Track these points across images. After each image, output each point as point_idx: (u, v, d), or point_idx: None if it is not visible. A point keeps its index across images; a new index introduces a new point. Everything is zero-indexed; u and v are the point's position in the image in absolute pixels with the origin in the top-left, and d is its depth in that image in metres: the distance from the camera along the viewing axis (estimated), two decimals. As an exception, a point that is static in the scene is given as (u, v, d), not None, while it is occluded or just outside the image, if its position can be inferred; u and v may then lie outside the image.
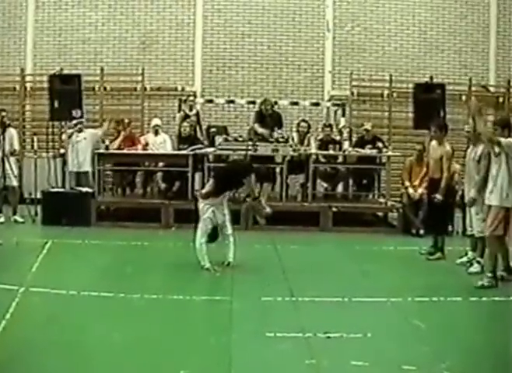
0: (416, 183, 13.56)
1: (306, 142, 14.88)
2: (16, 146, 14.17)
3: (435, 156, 11.18)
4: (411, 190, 13.47)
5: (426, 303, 8.28)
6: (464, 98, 17.54)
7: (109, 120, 15.38)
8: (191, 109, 15.69)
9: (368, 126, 15.23)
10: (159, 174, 15.09)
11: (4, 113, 13.99)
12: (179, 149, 14.59)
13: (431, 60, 18.20)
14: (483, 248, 9.89)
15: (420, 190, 13.24)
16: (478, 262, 9.91)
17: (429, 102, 14.47)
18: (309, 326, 7.01)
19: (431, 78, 16.31)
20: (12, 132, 14.13)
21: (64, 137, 14.78)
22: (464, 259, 10.46)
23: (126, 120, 15.54)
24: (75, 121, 14.51)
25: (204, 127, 15.92)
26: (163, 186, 14.91)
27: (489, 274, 9.06)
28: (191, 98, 16.31)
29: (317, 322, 7.30)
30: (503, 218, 9.01)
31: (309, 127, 15.18)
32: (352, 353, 6.28)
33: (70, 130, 14.66)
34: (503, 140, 8.92)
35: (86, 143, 14.71)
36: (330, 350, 6.41)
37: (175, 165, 14.41)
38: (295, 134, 15.05)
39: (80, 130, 14.66)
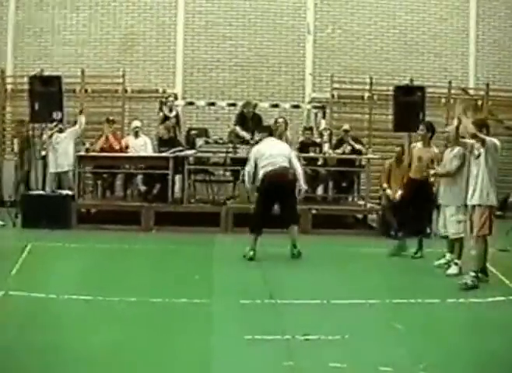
0: (395, 185, 13.62)
1: (284, 138, 14.87)
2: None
3: (425, 158, 11.18)
4: (389, 191, 13.53)
5: (403, 305, 8.32)
6: (443, 100, 17.68)
7: (80, 111, 15.34)
8: (170, 111, 15.67)
9: (347, 126, 15.34)
10: (140, 176, 15.07)
11: None
12: (160, 152, 14.58)
13: (411, 63, 18.34)
14: (460, 249, 10.00)
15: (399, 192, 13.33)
16: (456, 263, 9.98)
17: (409, 105, 14.53)
18: (288, 329, 7.03)
19: (411, 80, 16.39)
20: None
21: (44, 137, 14.73)
22: (442, 260, 10.52)
23: (111, 118, 15.56)
24: (55, 123, 14.47)
25: (185, 129, 15.92)
26: (143, 188, 14.91)
27: (473, 274, 9.12)
28: (171, 99, 16.30)
29: (296, 324, 7.31)
30: (488, 217, 9.11)
31: (286, 123, 15.12)
32: (331, 354, 6.30)
33: (50, 132, 14.63)
34: (487, 138, 9.04)
35: (67, 142, 14.71)
36: (308, 352, 6.43)
37: (155, 168, 14.42)
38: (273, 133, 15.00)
39: (61, 131, 14.66)
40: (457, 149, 10.03)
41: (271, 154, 11.01)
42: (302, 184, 11.21)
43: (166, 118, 15.35)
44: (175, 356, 6.27)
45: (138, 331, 6.97)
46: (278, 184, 10.85)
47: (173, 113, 15.67)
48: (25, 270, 9.53)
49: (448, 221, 10.15)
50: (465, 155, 9.98)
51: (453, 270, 9.96)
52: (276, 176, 10.87)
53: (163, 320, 7.49)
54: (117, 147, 15.00)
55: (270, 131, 12.04)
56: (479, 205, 9.11)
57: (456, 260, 10.01)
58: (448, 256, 10.46)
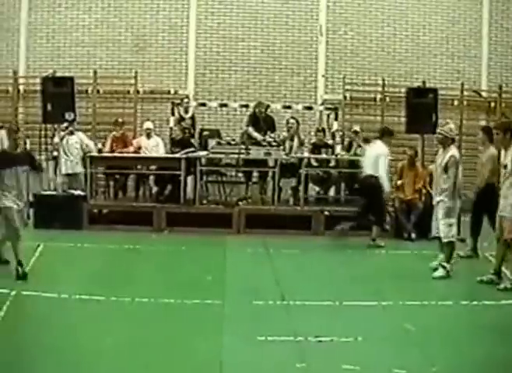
0: (408, 186, 13.62)
1: (296, 138, 14.86)
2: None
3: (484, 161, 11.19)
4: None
5: (416, 307, 8.30)
6: (456, 102, 17.63)
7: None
8: (186, 112, 15.68)
9: (357, 128, 15.28)
10: (152, 177, 15.07)
11: None
12: (172, 153, 14.58)
13: (424, 64, 18.28)
14: (450, 253, 9.94)
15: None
16: (444, 267, 9.88)
17: (421, 107, 14.48)
18: (300, 330, 7.03)
19: (423, 82, 16.38)
20: (3, 135, 14.09)
21: (56, 140, 14.77)
22: (436, 262, 10.50)
23: (120, 120, 15.56)
24: (65, 124, 14.50)
25: (197, 130, 15.92)
26: (155, 189, 14.90)
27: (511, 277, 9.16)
28: (186, 100, 16.33)
29: (309, 325, 7.31)
30: None
31: (297, 123, 15.13)
32: (343, 357, 6.29)
33: (62, 133, 14.66)
34: None
35: (78, 145, 14.76)
36: (321, 354, 6.44)
37: (167, 169, 14.40)
38: (285, 134, 15.00)
39: (71, 133, 14.70)
40: (447, 156, 9.96)
41: (364, 161, 12.69)
42: (384, 187, 12.25)
43: (181, 119, 15.36)
44: (187, 356, 6.27)
45: (150, 332, 6.97)
46: (361, 191, 12.89)
47: (189, 114, 15.69)
48: (37, 270, 9.54)
49: (440, 225, 10.07)
50: (458, 161, 9.99)
51: (439, 272, 9.88)
52: (360, 182, 12.89)
53: (176, 321, 7.50)
54: (131, 149, 15.01)
55: (380, 134, 12.85)
56: (509, 217, 9.13)
57: (444, 263, 9.92)
58: (441, 256, 10.44)
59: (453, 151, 10.02)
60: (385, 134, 12.65)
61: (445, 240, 9.93)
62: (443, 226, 9.92)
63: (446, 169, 9.90)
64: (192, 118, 15.75)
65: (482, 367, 6.26)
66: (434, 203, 10.22)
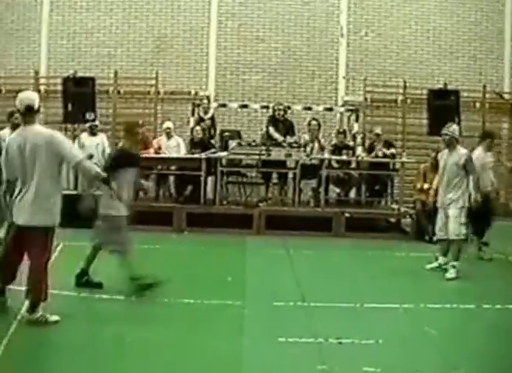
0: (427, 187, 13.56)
1: (316, 141, 14.82)
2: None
3: None
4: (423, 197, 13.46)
5: (438, 310, 8.24)
6: (478, 105, 17.53)
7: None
8: (205, 113, 15.68)
9: (378, 130, 15.18)
10: (172, 178, 15.07)
11: (16, 115, 14.00)
12: (191, 153, 14.57)
13: (445, 66, 18.19)
14: (459, 252, 9.99)
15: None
16: (454, 266, 9.87)
17: (443, 109, 14.44)
18: (321, 332, 6.99)
19: (445, 84, 16.27)
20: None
21: (76, 145, 14.76)
22: (435, 264, 10.46)
23: (139, 122, 15.51)
24: (88, 124, 14.50)
25: (217, 131, 15.91)
26: (175, 189, 14.89)
27: None
28: (205, 101, 16.35)
29: (329, 327, 7.27)
30: None
31: (319, 125, 15.09)
32: (364, 359, 6.25)
33: (84, 135, 14.65)
34: None
35: (100, 146, 14.77)
36: (342, 356, 6.40)
37: (188, 169, 14.39)
38: (306, 135, 14.97)
39: (94, 134, 14.68)
40: (464, 154, 9.97)
41: None
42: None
43: (201, 120, 15.36)
44: (207, 357, 6.24)
45: (169, 332, 6.96)
46: None
47: (209, 115, 15.68)
48: (56, 269, 9.50)
49: (451, 223, 10.03)
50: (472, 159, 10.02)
51: (451, 273, 9.88)
52: None
53: (196, 321, 7.47)
54: (152, 150, 15.00)
55: (480, 138, 12.32)
56: None
57: (453, 263, 9.89)
58: (441, 259, 10.42)
59: (463, 149, 10.10)
60: (483, 137, 12.46)
61: (456, 238, 9.92)
62: (456, 224, 9.93)
63: (465, 167, 9.94)
64: (212, 119, 15.74)
65: (504, 371, 6.19)
66: (442, 204, 10.21)
